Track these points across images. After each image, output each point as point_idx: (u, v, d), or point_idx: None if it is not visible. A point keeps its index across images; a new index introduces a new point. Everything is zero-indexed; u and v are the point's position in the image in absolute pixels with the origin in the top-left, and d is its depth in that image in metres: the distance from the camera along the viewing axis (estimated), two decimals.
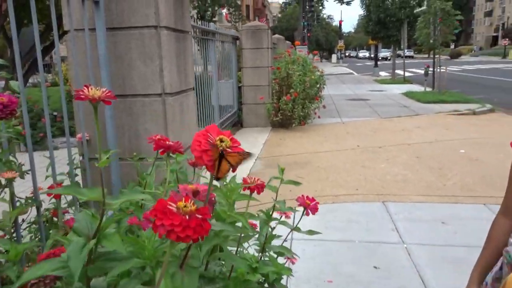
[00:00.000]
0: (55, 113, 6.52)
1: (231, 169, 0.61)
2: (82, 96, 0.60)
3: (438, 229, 2.99)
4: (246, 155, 0.63)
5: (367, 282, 2.32)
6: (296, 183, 1.43)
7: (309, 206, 1.43)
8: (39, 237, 1.61)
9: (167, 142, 0.91)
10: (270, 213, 1.31)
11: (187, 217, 0.48)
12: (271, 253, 1.45)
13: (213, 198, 0.71)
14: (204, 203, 0.62)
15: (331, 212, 3.34)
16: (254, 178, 0.86)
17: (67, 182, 2.05)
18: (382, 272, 2.43)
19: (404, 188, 3.86)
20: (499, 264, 1.17)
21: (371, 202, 3.54)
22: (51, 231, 1.45)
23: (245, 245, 1.29)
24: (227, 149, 0.58)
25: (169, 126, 2.17)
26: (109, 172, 2.12)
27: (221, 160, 0.59)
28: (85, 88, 0.61)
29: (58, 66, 1.74)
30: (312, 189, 3.86)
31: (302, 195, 1.49)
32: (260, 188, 0.86)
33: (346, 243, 2.80)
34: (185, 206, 0.49)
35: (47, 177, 1.95)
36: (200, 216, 0.48)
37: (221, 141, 0.59)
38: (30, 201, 1.49)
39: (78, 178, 2.29)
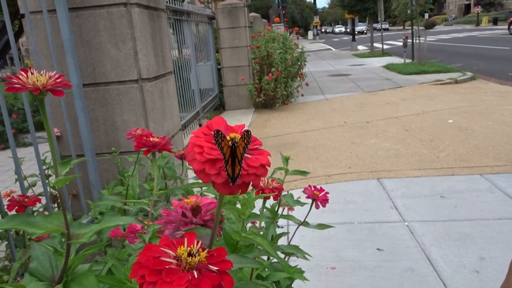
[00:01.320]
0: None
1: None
2: (18, 86, 0.40)
3: (438, 204, 2.88)
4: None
5: (372, 267, 2.19)
6: (304, 173, 1.25)
7: (318, 197, 1.25)
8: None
9: (151, 139, 0.71)
10: (276, 208, 1.14)
11: (195, 274, 0.30)
12: (280, 254, 1.28)
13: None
14: (212, 227, 0.44)
15: None
16: (267, 180, 0.68)
17: (40, 184, 1.84)
18: (386, 254, 2.31)
19: (397, 163, 3.75)
20: None
21: (366, 180, 3.42)
22: (17, 250, 1.25)
23: None
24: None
25: (149, 115, 1.96)
26: (85, 170, 1.91)
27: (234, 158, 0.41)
28: (22, 73, 0.41)
29: (14, 54, 1.50)
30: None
31: (309, 185, 1.32)
32: (279, 193, 0.68)
33: (345, 226, 2.67)
34: (190, 255, 0.31)
35: (16, 180, 1.75)
36: (216, 269, 0.30)
37: (233, 142, 0.41)
38: None
39: (52, 178, 2.07)
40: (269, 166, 0.43)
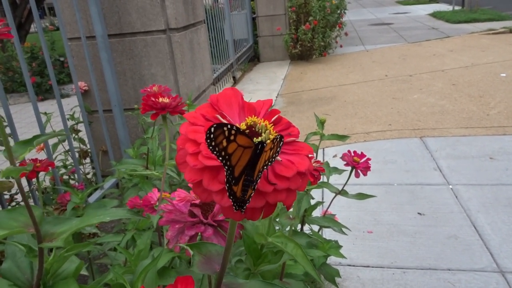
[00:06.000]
0: (61, 59, 6.18)
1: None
2: None
3: (487, 166, 2.68)
4: None
5: (412, 232, 2.08)
6: (342, 137, 1.12)
7: (359, 165, 1.12)
8: None
9: (160, 99, 0.59)
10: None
11: None
12: (313, 227, 1.18)
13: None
14: (227, 228, 0.32)
15: (364, 151, 3.03)
16: None
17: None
18: (427, 219, 2.18)
19: (442, 120, 3.50)
20: None
21: (408, 138, 3.22)
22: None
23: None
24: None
25: (178, 69, 1.85)
26: (114, 126, 1.84)
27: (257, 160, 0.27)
28: None
29: (57, 9, 1.40)
30: (341, 127, 3.54)
31: (349, 151, 1.18)
32: (318, 176, 0.55)
33: (384, 187, 2.54)
34: None
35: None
36: None
37: (253, 129, 0.27)
38: None
39: (83, 134, 2.03)
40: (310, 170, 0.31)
